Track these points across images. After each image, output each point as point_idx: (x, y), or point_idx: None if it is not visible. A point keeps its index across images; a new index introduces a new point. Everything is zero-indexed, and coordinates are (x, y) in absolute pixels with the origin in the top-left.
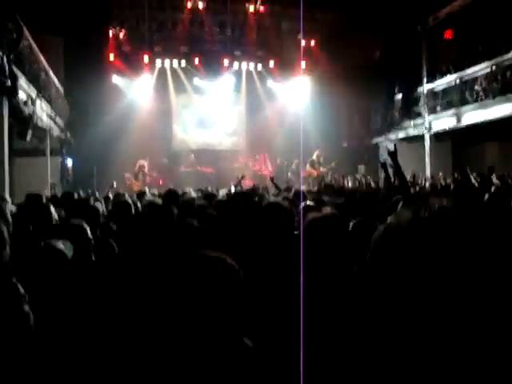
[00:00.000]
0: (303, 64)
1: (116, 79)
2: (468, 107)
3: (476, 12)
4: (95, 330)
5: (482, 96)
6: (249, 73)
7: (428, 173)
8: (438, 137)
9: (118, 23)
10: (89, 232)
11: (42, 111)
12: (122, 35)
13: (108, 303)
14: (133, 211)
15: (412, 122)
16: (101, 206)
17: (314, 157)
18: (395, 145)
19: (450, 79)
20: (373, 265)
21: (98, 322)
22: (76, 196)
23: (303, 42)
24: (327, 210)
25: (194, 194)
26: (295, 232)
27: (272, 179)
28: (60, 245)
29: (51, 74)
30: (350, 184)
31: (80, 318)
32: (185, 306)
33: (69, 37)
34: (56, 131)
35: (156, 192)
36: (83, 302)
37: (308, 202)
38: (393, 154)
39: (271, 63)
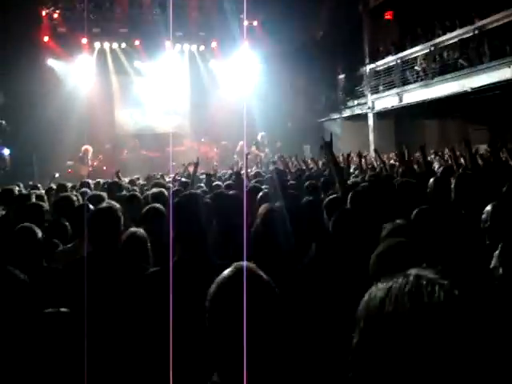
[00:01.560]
0: (246, 44)
1: (51, 62)
2: (409, 87)
3: None
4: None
5: (422, 76)
6: (191, 54)
7: (372, 151)
8: (380, 115)
9: (51, 3)
10: (39, 235)
11: None
12: (56, 16)
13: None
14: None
15: (355, 102)
16: (45, 204)
17: (259, 138)
18: (331, 134)
19: (391, 59)
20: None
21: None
22: (16, 191)
23: (246, 22)
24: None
25: (142, 182)
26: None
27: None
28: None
29: None
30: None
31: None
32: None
33: None
34: None
35: (101, 181)
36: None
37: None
38: (327, 145)
39: (213, 44)
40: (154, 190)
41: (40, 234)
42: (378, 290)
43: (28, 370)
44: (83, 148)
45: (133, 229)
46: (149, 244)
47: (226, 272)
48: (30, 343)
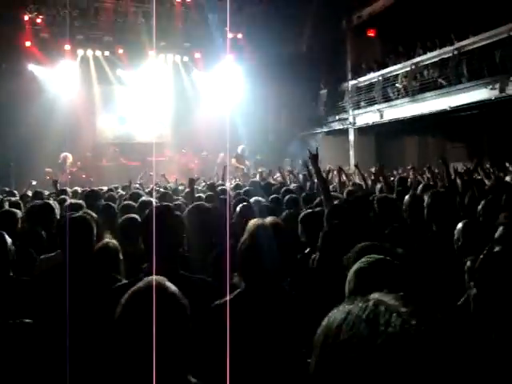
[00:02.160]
0: (230, 57)
1: (33, 67)
2: (390, 104)
3: (397, 13)
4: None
5: (402, 93)
6: (175, 64)
7: (352, 166)
8: (361, 131)
9: (35, 8)
10: (9, 244)
11: None
12: (39, 21)
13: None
14: (55, 213)
15: (337, 117)
16: (19, 212)
17: (239, 150)
18: (317, 148)
19: (373, 76)
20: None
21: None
22: None
23: (230, 35)
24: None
25: (121, 191)
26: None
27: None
28: None
29: None
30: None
31: None
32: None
33: None
34: None
35: (79, 190)
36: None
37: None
38: (314, 158)
39: (197, 55)
40: (135, 200)
41: (10, 243)
42: (337, 313)
43: None
44: (62, 155)
45: (106, 240)
46: (121, 255)
47: (135, 287)
48: None
